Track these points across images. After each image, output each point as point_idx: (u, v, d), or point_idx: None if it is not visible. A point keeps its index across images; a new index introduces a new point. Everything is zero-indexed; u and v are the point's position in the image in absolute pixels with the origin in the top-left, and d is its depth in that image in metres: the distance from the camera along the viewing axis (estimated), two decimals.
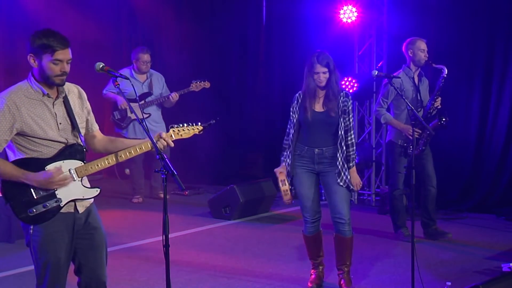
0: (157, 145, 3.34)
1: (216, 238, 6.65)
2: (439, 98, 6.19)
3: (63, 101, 3.37)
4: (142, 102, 8.03)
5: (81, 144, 3.39)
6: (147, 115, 8.05)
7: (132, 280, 5.21)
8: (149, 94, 8.11)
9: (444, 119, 6.08)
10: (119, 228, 6.92)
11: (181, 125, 3.50)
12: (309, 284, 5.00)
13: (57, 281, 3.34)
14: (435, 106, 6.17)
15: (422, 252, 5.74)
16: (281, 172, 4.92)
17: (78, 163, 3.35)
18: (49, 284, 3.33)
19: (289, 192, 4.89)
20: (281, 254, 5.96)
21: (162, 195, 8.36)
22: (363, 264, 5.57)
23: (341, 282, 4.89)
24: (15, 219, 6.21)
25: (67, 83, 3.42)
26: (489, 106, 7.71)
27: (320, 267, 5.06)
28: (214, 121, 3.59)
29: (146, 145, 3.43)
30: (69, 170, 3.32)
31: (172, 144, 3.42)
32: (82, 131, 3.46)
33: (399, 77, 6.18)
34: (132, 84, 3.81)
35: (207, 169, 9.77)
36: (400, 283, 5.09)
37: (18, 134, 3.27)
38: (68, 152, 3.34)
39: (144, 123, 3.27)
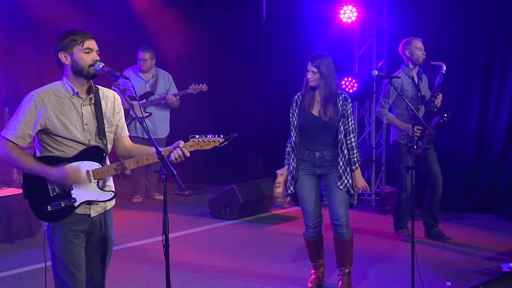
0: (173, 154, 3.32)
1: (216, 238, 6.64)
2: (440, 95, 6.18)
3: (94, 103, 3.41)
4: (144, 101, 8.03)
5: (102, 147, 3.40)
6: (148, 114, 8.04)
7: (132, 280, 5.21)
8: (151, 93, 8.10)
9: (446, 115, 6.06)
10: (119, 228, 6.82)
11: (202, 136, 3.41)
12: (309, 284, 5.00)
13: (73, 280, 3.38)
14: (436, 103, 6.17)
15: (422, 252, 5.74)
16: (281, 174, 4.94)
17: (96, 165, 3.37)
18: (66, 282, 3.37)
19: (281, 195, 4.92)
20: (281, 254, 5.96)
21: (157, 197, 8.39)
22: (363, 264, 5.57)
23: (339, 284, 4.89)
24: (15, 219, 6.27)
25: (104, 88, 3.49)
26: (489, 106, 7.71)
27: (321, 268, 5.06)
28: (236, 134, 3.48)
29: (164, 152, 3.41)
30: (87, 171, 3.35)
31: (188, 154, 3.37)
32: (110, 135, 3.49)
33: (399, 77, 6.18)
34: (132, 85, 3.82)
35: (207, 169, 9.76)
36: (400, 283, 5.09)
37: (43, 131, 3.33)
38: (88, 153, 3.37)
39: (144, 123, 3.27)
